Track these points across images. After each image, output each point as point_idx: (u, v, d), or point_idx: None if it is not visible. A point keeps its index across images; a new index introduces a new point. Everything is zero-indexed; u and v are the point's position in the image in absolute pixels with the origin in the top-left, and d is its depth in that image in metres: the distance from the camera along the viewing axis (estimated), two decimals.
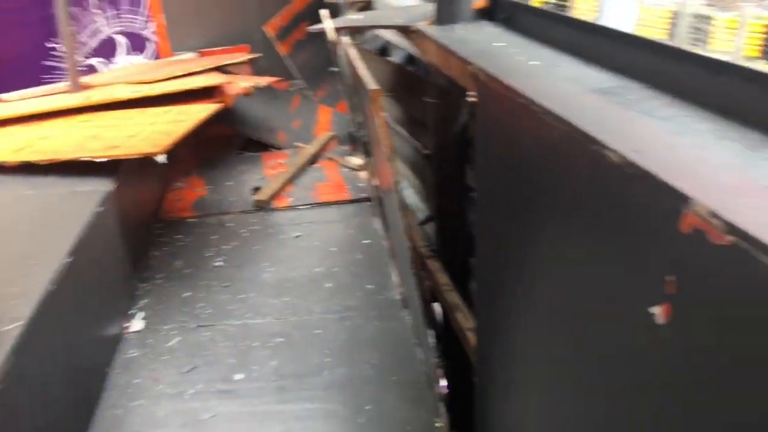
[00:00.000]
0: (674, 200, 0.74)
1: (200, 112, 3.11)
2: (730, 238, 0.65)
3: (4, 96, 3.83)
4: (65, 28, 3.76)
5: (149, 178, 3.32)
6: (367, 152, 2.64)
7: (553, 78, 1.35)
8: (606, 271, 0.96)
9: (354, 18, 3.01)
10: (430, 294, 2.32)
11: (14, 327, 1.54)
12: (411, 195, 3.28)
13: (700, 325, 0.73)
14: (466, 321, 1.98)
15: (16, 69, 5.17)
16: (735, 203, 0.69)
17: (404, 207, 1.65)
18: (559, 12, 1.90)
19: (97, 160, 2.49)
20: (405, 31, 2.30)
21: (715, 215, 0.67)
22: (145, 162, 3.06)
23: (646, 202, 0.82)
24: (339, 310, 2.50)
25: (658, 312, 0.80)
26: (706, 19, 13.06)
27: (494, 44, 1.73)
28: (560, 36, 1.63)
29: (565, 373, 1.20)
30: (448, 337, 2.18)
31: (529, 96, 1.17)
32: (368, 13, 3.19)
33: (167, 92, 3.41)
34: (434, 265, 2.32)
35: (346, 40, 2.26)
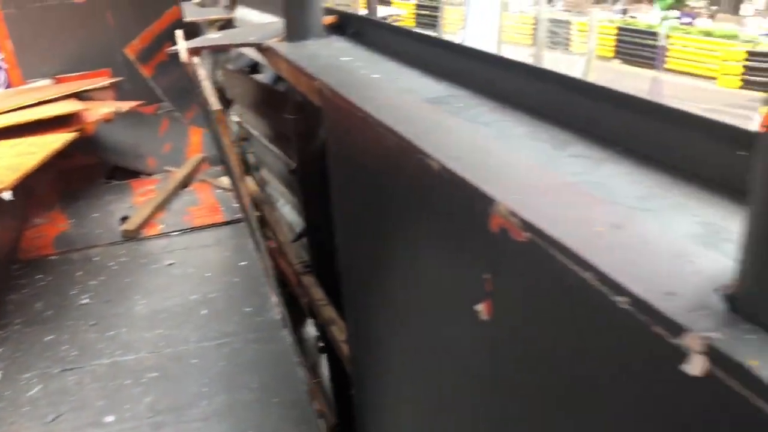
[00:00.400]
0: (484, 202, 0.77)
1: (53, 142, 2.94)
2: (527, 235, 0.69)
3: None
4: None
5: (1, 216, 3.09)
6: (229, 173, 2.60)
7: (391, 90, 1.38)
8: (443, 273, 1.00)
9: (210, 37, 2.95)
10: (308, 310, 2.30)
11: None
12: (288, 211, 3.26)
13: (514, 320, 0.77)
14: (340, 333, 1.98)
15: None
16: (534, 202, 0.74)
17: (260, 227, 1.62)
18: (399, 26, 1.96)
19: None
20: (259, 48, 2.28)
21: (513, 214, 0.71)
22: None
23: (464, 206, 0.85)
24: (216, 336, 2.44)
25: (481, 309, 0.83)
26: (565, 23, 13.97)
27: (342, 59, 1.75)
28: (403, 49, 1.68)
29: (423, 375, 1.22)
30: (330, 352, 2.18)
31: (366, 109, 1.19)
32: (226, 31, 3.13)
33: (17, 123, 3.19)
34: (309, 280, 2.31)
35: (196, 60, 2.21)
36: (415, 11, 21.13)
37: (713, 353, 0.47)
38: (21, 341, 2.44)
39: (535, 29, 13.19)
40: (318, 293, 2.24)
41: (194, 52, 2.61)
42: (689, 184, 0.77)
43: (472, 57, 1.36)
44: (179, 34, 2.92)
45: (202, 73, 2.04)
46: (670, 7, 13.85)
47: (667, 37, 13.46)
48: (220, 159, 4.19)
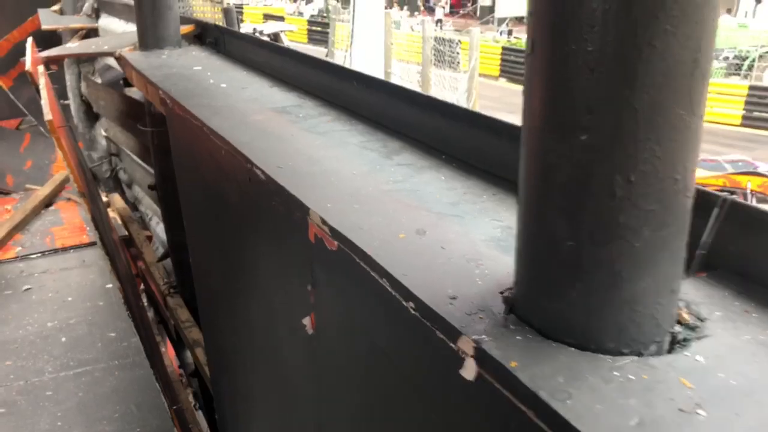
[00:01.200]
0: (302, 211, 0.75)
1: None
2: (336, 244, 0.67)
3: None
4: None
5: None
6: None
7: (236, 99, 1.34)
8: (278, 287, 0.97)
9: (67, 47, 2.78)
10: (174, 333, 2.20)
11: None
12: (161, 230, 3.12)
13: (332, 331, 0.75)
14: (204, 356, 1.90)
15: None
16: (348, 210, 0.72)
17: (108, 250, 1.52)
18: (254, 36, 1.93)
19: None
20: (115, 58, 2.17)
21: (325, 223, 0.69)
22: None
23: (287, 216, 0.83)
24: (75, 365, 2.27)
25: (307, 323, 0.81)
26: (452, 42, 14.42)
27: (194, 68, 1.69)
28: (257, 58, 1.64)
29: (271, 390, 1.18)
30: (198, 375, 2.09)
31: (201, 118, 1.15)
32: (84, 41, 2.97)
33: None
34: (175, 301, 2.21)
35: (40, 70, 2.07)
36: (307, 27, 21.11)
37: (481, 356, 0.47)
38: None
39: (423, 48, 13.50)
40: (184, 314, 2.15)
41: (50, 61, 2.46)
42: (501, 190, 0.79)
43: (319, 68, 1.35)
44: (30, 42, 2.74)
45: (43, 81, 1.90)
46: None
47: None
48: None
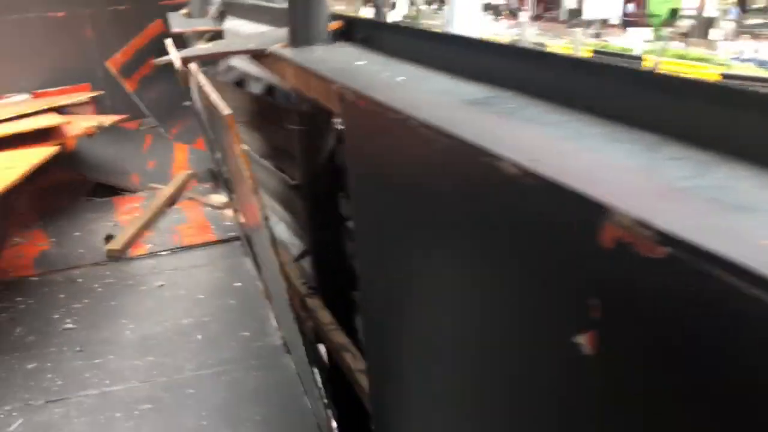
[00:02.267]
0: (590, 211, 0.64)
1: (33, 156, 2.77)
2: (665, 250, 0.56)
3: None
4: None
5: None
6: (229, 188, 2.44)
7: (423, 92, 1.25)
8: (517, 298, 0.86)
9: (204, 47, 2.81)
10: (314, 335, 2.15)
11: None
12: (282, 230, 3.10)
13: (633, 354, 0.64)
14: (355, 361, 1.83)
15: None
16: (657, 209, 0.61)
17: (275, 243, 1.48)
18: (420, 27, 1.84)
19: None
20: (259, 56, 2.15)
21: (642, 224, 0.58)
22: None
23: (554, 216, 0.72)
24: (213, 363, 2.27)
25: (583, 341, 0.70)
26: (541, 45, 14.11)
27: (356, 63, 1.63)
28: (423, 51, 1.55)
29: (476, 417, 1.08)
30: (337, 380, 2.02)
31: (405, 111, 1.06)
32: (219, 41, 3.00)
33: None
34: (315, 303, 2.16)
35: (194, 68, 2.07)
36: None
37: None
38: (0, 371, 2.25)
39: None
40: (326, 316, 2.09)
41: (187, 61, 2.47)
42: None
43: (512, 55, 1.24)
44: (170, 42, 2.79)
45: (202, 78, 1.89)
46: (661, 25, 14.07)
47: (643, 60, 13.60)
48: (211, 175, 4.03)
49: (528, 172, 0.74)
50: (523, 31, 12.86)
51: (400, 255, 1.27)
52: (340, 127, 2.13)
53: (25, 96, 4.69)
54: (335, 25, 2.01)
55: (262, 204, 1.43)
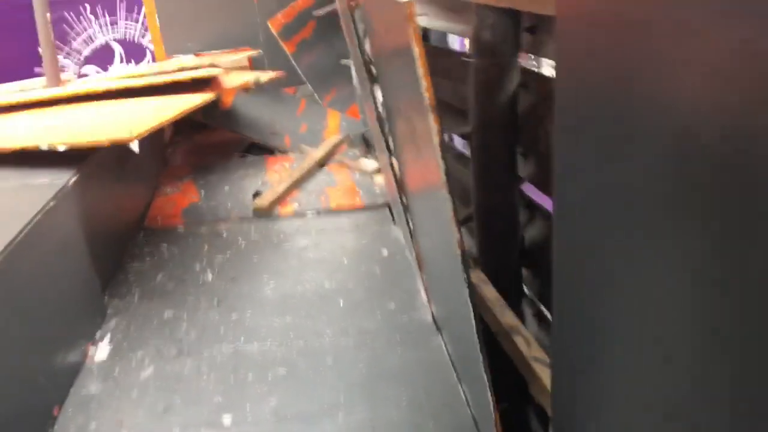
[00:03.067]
0: None
1: (189, 101, 2.66)
2: None
3: None
4: (42, 21, 3.33)
5: (132, 179, 2.86)
6: (387, 147, 2.16)
7: None
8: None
9: None
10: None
11: None
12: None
13: None
14: (529, 348, 1.48)
15: (7, 74, 4.79)
16: None
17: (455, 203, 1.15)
18: None
19: (59, 148, 2.03)
20: None
21: None
22: (124, 158, 2.62)
23: None
24: (354, 333, 2.01)
25: None
26: None
27: None
28: None
29: None
30: (499, 368, 1.69)
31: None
32: None
33: (154, 84, 2.96)
34: (478, 276, 1.84)
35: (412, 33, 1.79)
36: None
37: None
38: (137, 315, 2.14)
39: None
40: (490, 292, 1.76)
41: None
42: None
43: None
44: None
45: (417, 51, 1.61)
46: None
47: None
48: (363, 140, 3.83)
49: None
50: None
51: (619, 241, 0.90)
52: (527, 65, 1.78)
53: (189, 56, 4.76)
54: None
55: (439, 153, 1.10)
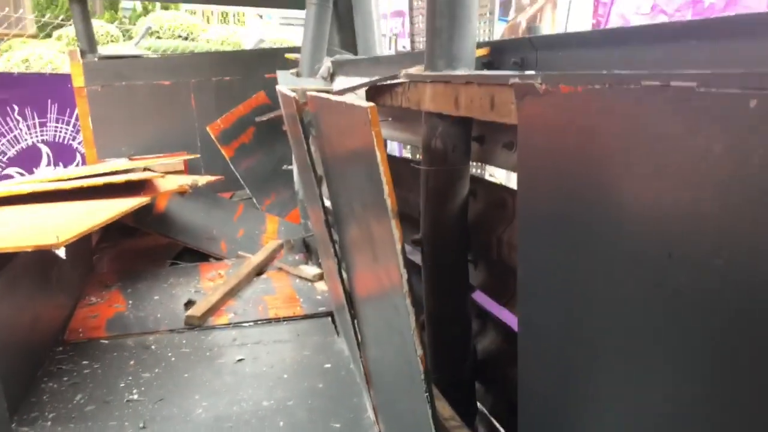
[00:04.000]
0: None
1: (120, 205, 2.53)
2: None
3: None
4: None
5: (54, 287, 2.64)
6: (335, 252, 2.06)
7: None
8: None
9: (324, 88, 2.56)
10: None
11: None
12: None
13: None
14: None
15: None
16: None
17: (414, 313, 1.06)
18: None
19: None
20: (383, 90, 1.85)
21: None
22: (48, 265, 2.42)
23: None
24: None
25: None
26: None
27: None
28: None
29: None
30: None
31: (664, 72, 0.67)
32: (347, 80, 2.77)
33: (84, 186, 2.82)
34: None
35: (313, 93, 1.77)
36: None
37: None
38: None
39: None
40: (445, 410, 1.64)
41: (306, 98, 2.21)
42: None
43: None
44: (282, 77, 2.56)
45: (332, 95, 1.58)
46: None
47: None
48: (303, 246, 3.73)
49: None
50: None
51: (586, 360, 0.84)
52: (477, 171, 1.76)
53: (123, 160, 4.64)
54: (482, 51, 1.69)
55: (401, 260, 1.03)
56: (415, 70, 1.62)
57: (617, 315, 0.80)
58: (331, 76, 3.32)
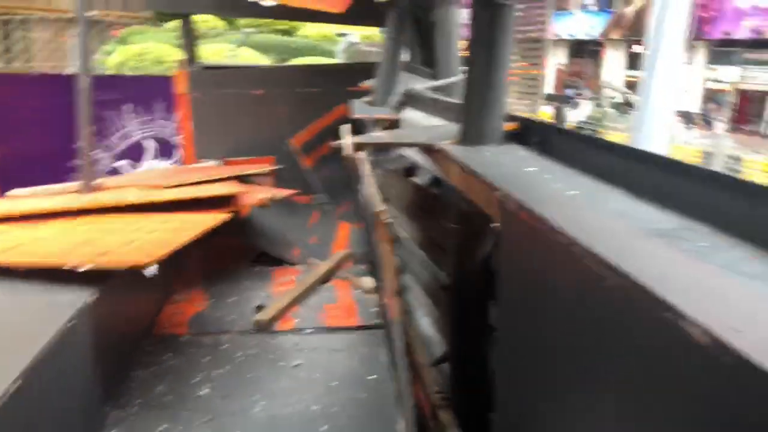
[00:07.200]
0: None
1: (205, 222, 2.92)
2: None
3: (15, 191, 3.70)
4: (84, 126, 3.67)
5: (144, 288, 3.08)
6: (376, 274, 2.36)
7: (597, 212, 1.09)
8: None
9: (376, 135, 2.85)
10: None
11: None
12: (427, 326, 2.98)
13: None
14: None
15: (42, 167, 5.16)
16: None
17: (407, 348, 1.34)
18: (602, 138, 1.69)
19: (81, 269, 2.26)
20: (428, 150, 2.11)
21: None
22: (141, 272, 2.84)
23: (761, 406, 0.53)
24: None
25: None
26: (736, 160, 13.01)
27: (525, 169, 1.50)
28: (603, 163, 1.40)
29: None
30: None
31: (570, 234, 0.91)
32: (394, 131, 3.04)
33: (177, 199, 3.24)
34: (446, 418, 1.98)
35: (361, 156, 2.07)
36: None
37: None
38: (135, 426, 2.29)
39: (705, 163, 12.50)
40: None
41: (359, 147, 2.50)
42: None
43: (705, 181, 1.05)
44: (346, 128, 2.87)
45: (366, 168, 1.87)
46: None
47: None
48: (366, 258, 4.04)
49: (725, 346, 0.56)
50: (718, 144, 12.00)
51: (547, 382, 1.09)
52: (497, 232, 2.00)
53: (215, 162, 5.10)
54: (510, 126, 1.92)
55: (400, 304, 1.31)
56: (449, 142, 1.87)
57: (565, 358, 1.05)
58: (401, 105, 3.59)
